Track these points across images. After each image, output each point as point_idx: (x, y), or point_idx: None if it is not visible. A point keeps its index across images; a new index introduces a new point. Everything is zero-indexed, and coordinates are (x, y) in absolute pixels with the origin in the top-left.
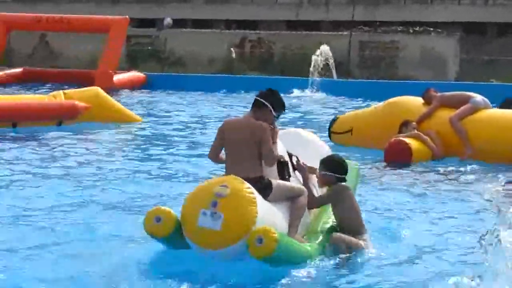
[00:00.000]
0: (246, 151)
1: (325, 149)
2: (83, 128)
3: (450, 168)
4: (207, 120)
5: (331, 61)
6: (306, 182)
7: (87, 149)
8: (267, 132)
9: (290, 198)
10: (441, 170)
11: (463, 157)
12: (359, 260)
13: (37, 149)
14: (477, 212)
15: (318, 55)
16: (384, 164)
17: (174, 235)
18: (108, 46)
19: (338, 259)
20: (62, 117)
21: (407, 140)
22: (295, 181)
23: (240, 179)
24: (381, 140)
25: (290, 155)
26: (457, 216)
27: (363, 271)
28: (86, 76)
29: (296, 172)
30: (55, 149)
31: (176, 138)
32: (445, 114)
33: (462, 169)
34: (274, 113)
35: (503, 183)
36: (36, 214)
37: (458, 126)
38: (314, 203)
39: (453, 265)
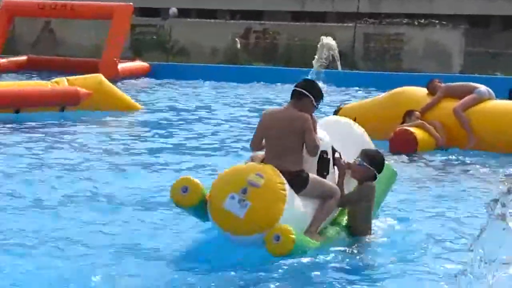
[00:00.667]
0: (288, 143)
1: (365, 139)
2: (85, 115)
3: (454, 158)
4: (210, 110)
5: (336, 53)
6: (341, 181)
7: (89, 137)
8: (309, 122)
9: (321, 197)
10: (445, 159)
11: (467, 147)
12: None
13: (39, 136)
14: (480, 201)
15: (322, 47)
16: (388, 153)
17: (198, 207)
18: (111, 33)
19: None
20: (65, 103)
21: (412, 129)
22: (331, 178)
23: (277, 171)
24: (385, 130)
25: (334, 151)
26: (459, 207)
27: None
28: (91, 64)
29: (335, 167)
30: (57, 136)
31: (177, 127)
32: (449, 105)
33: (465, 159)
34: (315, 103)
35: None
36: (36, 202)
37: (462, 116)
38: (343, 202)
39: (454, 252)
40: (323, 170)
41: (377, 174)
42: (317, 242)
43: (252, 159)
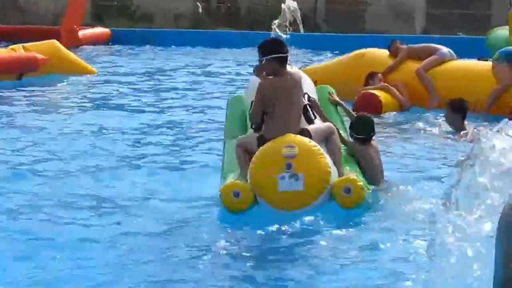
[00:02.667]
0: (293, 107)
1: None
2: (43, 81)
3: (417, 118)
4: (169, 76)
5: (298, 15)
6: (324, 116)
7: (48, 104)
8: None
9: (324, 138)
10: (409, 120)
11: (430, 107)
12: None
13: None
14: (443, 157)
15: (284, 10)
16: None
17: (251, 207)
18: (71, 1)
19: None
20: (23, 69)
21: (377, 92)
22: (318, 120)
23: (296, 135)
24: (347, 92)
25: (309, 96)
26: (426, 164)
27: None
28: (52, 32)
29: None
30: (16, 103)
31: (132, 94)
32: (411, 66)
33: (429, 119)
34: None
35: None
36: None
37: (425, 77)
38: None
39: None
40: (310, 115)
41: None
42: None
43: (247, 146)
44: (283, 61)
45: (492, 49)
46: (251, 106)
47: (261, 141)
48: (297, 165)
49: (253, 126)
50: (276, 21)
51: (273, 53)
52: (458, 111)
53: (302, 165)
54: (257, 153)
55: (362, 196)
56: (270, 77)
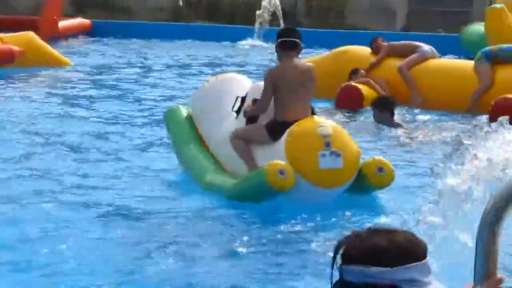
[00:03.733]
0: (305, 94)
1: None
2: (18, 72)
3: (398, 115)
4: (149, 70)
5: (279, 10)
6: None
7: (24, 96)
8: None
9: None
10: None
11: (412, 105)
12: None
13: None
14: (424, 154)
15: (265, 4)
16: (334, 109)
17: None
18: None
19: None
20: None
21: (358, 85)
22: None
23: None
24: (329, 89)
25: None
26: (409, 162)
27: None
28: (31, 22)
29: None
30: None
31: (109, 88)
32: (393, 63)
33: (410, 116)
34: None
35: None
36: None
37: (406, 75)
38: None
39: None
40: None
41: None
42: None
43: (249, 137)
44: (288, 47)
45: (466, 45)
46: (234, 103)
47: (274, 125)
48: (335, 143)
49: (245, 119)
50: (257, 15)
51: (278, 39)
52: (385, 109)
53: (339, 144)
54: (290, 133)
55: (393, 176)
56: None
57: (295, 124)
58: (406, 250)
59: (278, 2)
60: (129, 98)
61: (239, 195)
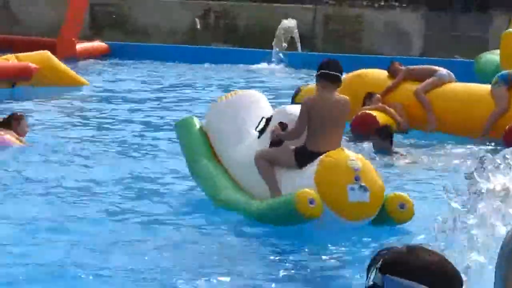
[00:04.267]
0: (339, 126)
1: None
2: (36, 91)
3: (415, 140)
4: (164, 91)
5: (296, 34)
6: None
7: (43, 116)
8: None
9: None
10: (406, 141)
11: (428, 130)
12: None
13: None
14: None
15: (282, 28)
16: (349, 136)
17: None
18: (69, 13)
19: None
20: (17, 78)
21: (374, 113)
22: None
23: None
24: None
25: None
26: (424, 187)
27: None
28: (49, 44)
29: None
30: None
31: (126, 110)
32: (410, 87)
33: (426, 141)
34: None
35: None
36: None
37: (423, 99)
38: None
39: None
40: None
41: None
42: None
43: (274, 159)
44: (331, 79)
45: (481, 73)
46: (259, 123)
47: (303, 153)
48: (363, 178)
49: (271, 142)
50: (275, 39)
51: (321, 70)
52: (386, 138)
53: (367, 178)
54: (321, 163)
55: (413, 213)
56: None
57: (326, 154)
58: (455, 277)
59: (295, 26)
60: (144, 119)
61: (264, 216)
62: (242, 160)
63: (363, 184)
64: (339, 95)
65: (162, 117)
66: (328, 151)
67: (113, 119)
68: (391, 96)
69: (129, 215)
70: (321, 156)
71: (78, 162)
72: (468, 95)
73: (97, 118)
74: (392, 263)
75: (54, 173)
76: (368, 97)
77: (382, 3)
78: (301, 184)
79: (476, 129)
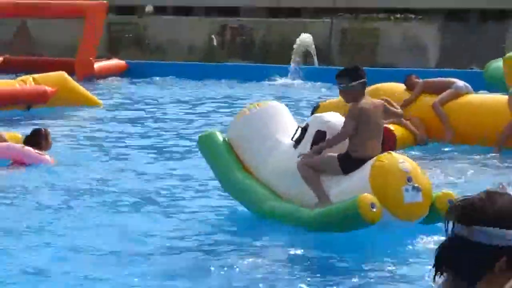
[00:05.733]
0: (380, 130)
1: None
2: (51, 112)
3: (433, 153)
4: (182, 108)
5: (313, 48)
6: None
7: (61, 135)
8: None
9: None
10: (424, 154)
11: (445, 141)
12: None
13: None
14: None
15: (299, 43)
16: None
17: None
18: (85, 32)
19: None
20: (34, 101)
21: (391, 127)
22: None
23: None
24: None
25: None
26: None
27: None
28: (67, 64)
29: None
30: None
31: (147, 126)
32: (427, 100)
33: (444, 153)
34: None
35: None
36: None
37: (440, 111)
38: None
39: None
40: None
41: None
42: None
43: (319, 166)
44: (364, 86)
45: (490, 81)
46: (295, 133)
47: (347, 160)
48: (415, 178)
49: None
50: (292, 54)
51: (359, 79)
52: None
53: (418, 179)
54: (374, 168)
55: None
56: (361, 101)
57: (376, 159)
58: None
59: (312, 41)
60: (164, 135)
61: (323, 224)
62: (279, 170)
63: (416, 184)
64: (373, 99)
65: (180, 133)
66: (372, 156)
67: (131, 136)
68: (408, 109)
69: (150, 237)
70: (370, 161)
71: (93, 176)
72: (485, 106)
73: (114, 135)
74: (468, 214)
75: (71, 190)
76: (385, 111)
77: (398, 16)
78: (353, 189)
79: (492, 141)
